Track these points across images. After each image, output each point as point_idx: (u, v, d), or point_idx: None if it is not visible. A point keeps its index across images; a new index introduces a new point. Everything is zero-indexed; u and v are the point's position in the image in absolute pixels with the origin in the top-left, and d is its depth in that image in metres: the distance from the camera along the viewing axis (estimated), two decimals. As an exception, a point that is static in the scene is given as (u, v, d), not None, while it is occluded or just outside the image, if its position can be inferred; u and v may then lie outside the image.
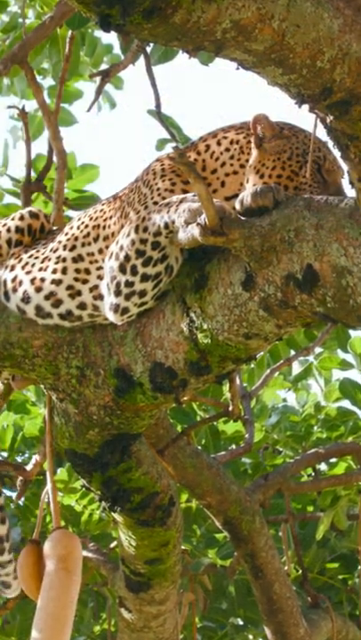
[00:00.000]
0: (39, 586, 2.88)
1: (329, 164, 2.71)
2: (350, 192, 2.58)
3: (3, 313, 2.86)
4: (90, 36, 4.20)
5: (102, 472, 2.94)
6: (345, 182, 2.62)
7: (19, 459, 4.38)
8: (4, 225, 2.96)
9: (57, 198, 2.90)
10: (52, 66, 3.76)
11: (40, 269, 2.82)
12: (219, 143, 2.78)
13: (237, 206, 2.57)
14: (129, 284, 2.65)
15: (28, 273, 2.83)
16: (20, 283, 2.83)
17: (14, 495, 4.06)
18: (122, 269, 2.64)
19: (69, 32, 3.52)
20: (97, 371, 2.81)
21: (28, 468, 3.49)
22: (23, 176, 3.77)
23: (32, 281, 2.81)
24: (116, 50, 4.39)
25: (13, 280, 2.84)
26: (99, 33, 4.27)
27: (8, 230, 2.93)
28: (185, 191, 2.71)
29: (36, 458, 3.41)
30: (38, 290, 2.80)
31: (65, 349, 2.83)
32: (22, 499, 3.90)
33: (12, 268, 2.87)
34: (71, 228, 2.87)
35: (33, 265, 2.84)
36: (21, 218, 2.94)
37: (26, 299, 2.81)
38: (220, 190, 2.72)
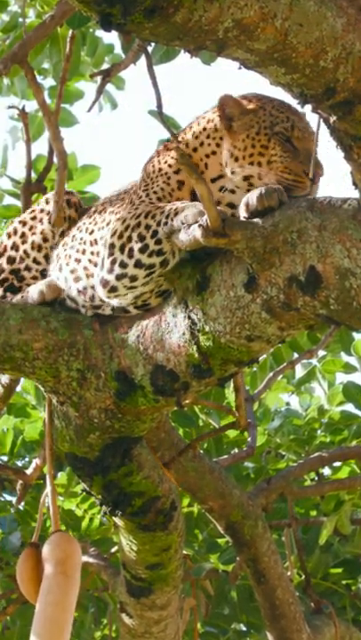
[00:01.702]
0: (37, 589, 2.86)
1: (298, 131, 2.71)
2: (353, 193, 2.56)
3: (2, 315, 2.85)
4: (91, 36, 4.20)
5: (103, 476, 2.92)
6: (345, 182, 2.61)
7: (19, 463, 4.37)
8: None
9: (57, 199, 2.89)
10: (53, 66, 3.76)
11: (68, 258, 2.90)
12: (198, 123, 2.81)
13: (243, 210, 2.56)
14: (123, 264, 2.67)
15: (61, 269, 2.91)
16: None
17: (14, 499, 4.05)
18: (121, 249, 2.67)
19: (70, 31, 3.51)
20: (98, 373, 2.80)
21: (28, 472, 3.48)
22: (23, 177, 3.76)
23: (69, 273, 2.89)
24: (117, 49, 4.41)
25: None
26: (100, 32, 4.27)
27: (48, 213, 3.00)
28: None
29: (36, 462, 3.40)
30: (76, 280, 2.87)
31: (65, 352, 2.82)
32: (22, 503, 3.88)
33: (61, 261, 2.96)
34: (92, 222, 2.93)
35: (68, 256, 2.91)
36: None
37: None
38: (206, 172, 2.74)
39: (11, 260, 3.02)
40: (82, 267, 2.85)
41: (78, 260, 2.87)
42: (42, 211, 3.04)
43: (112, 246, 2.69)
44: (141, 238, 2.64)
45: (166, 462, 3.27)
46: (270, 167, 2.68)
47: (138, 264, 2.65)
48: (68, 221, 3.03)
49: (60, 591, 2.82)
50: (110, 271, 2.69)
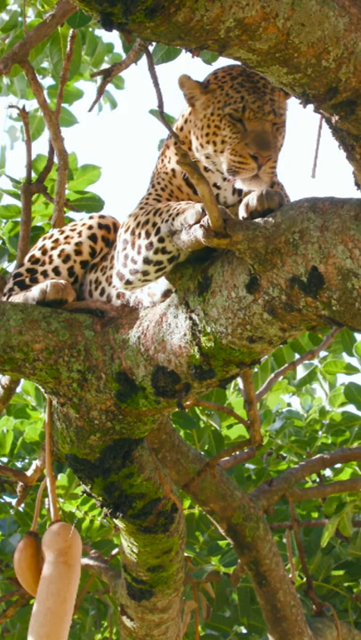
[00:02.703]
0: (36, 579, 2.84)
1: (249, 112, 2.71)
2: (356, 193, 2.55)
3: (3, 316, 2.83)
4: (91, 35, 4.20)
5: (104, 478, 2.92)
6: (347, 182, 2.60)
7: (19, 464, 4.36)
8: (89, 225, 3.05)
9: (58, 199, 2.88)
10: (53, 65, 3.76)
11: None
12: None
13: (242, 210, 2.56)
14: (133, 260, 2.70)
15: (98, 286, 2.95)
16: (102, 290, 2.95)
17: (14, 501, 4.04)
18: (132, 245, 2.71)
19: (70, 31, 3.50)
20: (98, 375, 2.79)
21: (29, 473, 3.47)
22: (23, 177, 3.75)
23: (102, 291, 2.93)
24: (118, 49, 4.41)
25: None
26: (100, 32, 4.27)
27: (90, 228, 3.01)
28: None
29: (36, 463, 3.39)
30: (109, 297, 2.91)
31: (66, 353, 2.81)
32: (22, 505, 3.87)
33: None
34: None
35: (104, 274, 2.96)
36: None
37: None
38: (191, 151, 2.77)
39: (33, 260, 3.02)
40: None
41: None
42: (84, 225, 3.03)
43: (125, 242, 2.73)
44: (147, 235, 2.66)
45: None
46: (223, 148, 2.71)
47: (146, 260, 2.67)
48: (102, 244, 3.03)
49: (61, 581, 2.80)
50: (124, 265, 2.73)
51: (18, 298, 2.94)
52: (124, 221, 2.77)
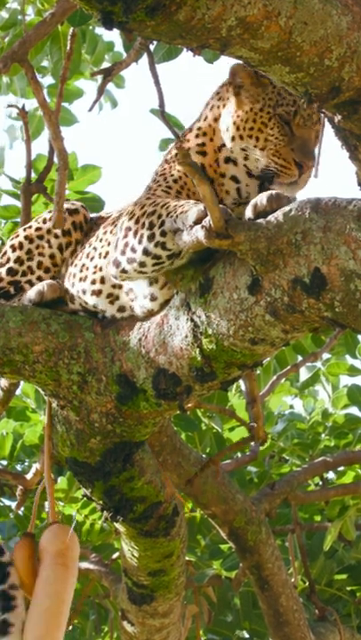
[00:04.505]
0: (33, 580, 2.81)
1: (300, 118, 2.72)
2: (359, 194, 2.54)
3: (2, 317, 2.82)
4: (91, 34, 4.20)
5: (104, 481, 2.90)
6: (350, 182, 2.58)
7: (18, 467, 4.35)
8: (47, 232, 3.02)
9: (58, 200, 2.86)
10: (53, 64, 3.76)
11: (80, 279, 2.88)
12: (213, 90, 2.85)
13: (249, 211, 2.55)
14: (133, 249, 2.68)
15: (73, 285, 2.90)
16: (72, 297, 2.90)
17: (14, 504, 4.02)
18: (135, 233, 2.68)
19: (70, 29, 3.49)
20: (99, 377, 2.78)
21: (28, 476, 3.46)
22: (23, 177, 3.74)
23: (79, 292, 2.88)
24: (118, 48, 4.40)
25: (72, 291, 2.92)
26: (100, 30, 4.26)
27: (56, 237, 3.00)
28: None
29: (36, 466, 3.37)
30: (86, 303, 2.86)
31: (66, 355, 2.80)
32: (22, 508, 3.86)
33: (69, 279, 2.94)
34: (104, 232, 2.91)
35: (74, 275, 2.91)
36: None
37: (81, 311, 2.88)
38: (214, 139, 2.78)
39: (12, 273, 3.01)
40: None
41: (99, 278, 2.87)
42: (49, 232, 3.02)
43: (128, 229, 2.70)
44: (151, 226, 2.65)
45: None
46: (265, 145, 2.71)
47: (145, 251, 2.65)
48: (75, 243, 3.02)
49: (59, 583, 2.78)
50: (122, 253, 2.70)
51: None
52: (129, 209, 2.74)
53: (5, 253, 3.05)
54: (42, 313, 2.84)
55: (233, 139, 2.74)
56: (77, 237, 3.00)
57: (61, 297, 2.88)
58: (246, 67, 2.71)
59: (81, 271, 2.89)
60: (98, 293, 2.83)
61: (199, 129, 2.81)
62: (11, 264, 3.01)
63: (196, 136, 2.80)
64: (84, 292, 2.86)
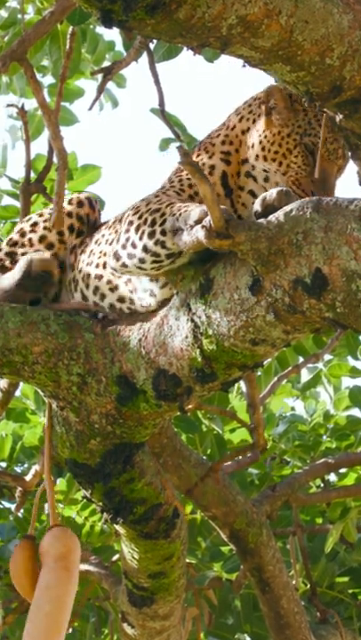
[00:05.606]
0: (32, 583, 2.79)
1: (325, 150, 2.71)
2: (360, 194, 2.52)
3: (1, 318, 2.81)
4: (91, 33, 4.20)
5: (104, 483, 2.90)
6: (351, 181, 2.58)
7: (18, 469, 4.35)
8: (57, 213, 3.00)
9: (57, 200, 2.85)
10: (53, 63, 3.76)
11: (87, 264, 2.89)
12: (245, 102, 2.85)
13: (258, 204, 2.55)
14: (133, 245, 2.67)
15: (79, 271, 2.90)
16: (75, 280, 2.90)
17: (13, 506, 4.02)
18: (137, 228, 2.68)
19: (70, 28, 3.49)
20: (99, 378, 2.77)
21: (28, 478, 3.45)
22: (22, 177, 3.73)
23: (82, 277, 2.89)
24: (119, 46, 4.39)
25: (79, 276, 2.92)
26: (100, 29, 4.25)
27: (69, 215, 2.99)
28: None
29: (35, 468, 3.37)
30: (87, 286, 2.86)
31: (66, 356, 2.79)
32: (21, 510, 3.85)
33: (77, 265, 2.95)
34: (115, 221, 2.91)
35: (82, 261, 2.92)
36: (79, 203, 3.01)
37: (84, 296, 2.89)
38: (240, 150, 2.80)
39: (12, 243, 3.00)
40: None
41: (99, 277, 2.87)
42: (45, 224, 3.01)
43: (130, 223, 2.70)
44: (153, 223, 2.64)
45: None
46: (286, 171, 2.71)
47: (145, 248, 2.64)
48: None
49: (60, 586, 2.74)
50: (123, 247, 2.70)
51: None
52: (135, 204, 2.74)
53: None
54: (41, 313, 2.83)
55: (257, 157, 2.75)
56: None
57: (50, 271, 2.85)
58: (283, 90, 2.72)
59: (89, 256, 2.90)
60: (99, 278, 2.83)
61: (227, 136, 2.81)
62: (12, 234, 3.02)
63: (223, 143, 2.81)
64: (88, 277, 2.87)
